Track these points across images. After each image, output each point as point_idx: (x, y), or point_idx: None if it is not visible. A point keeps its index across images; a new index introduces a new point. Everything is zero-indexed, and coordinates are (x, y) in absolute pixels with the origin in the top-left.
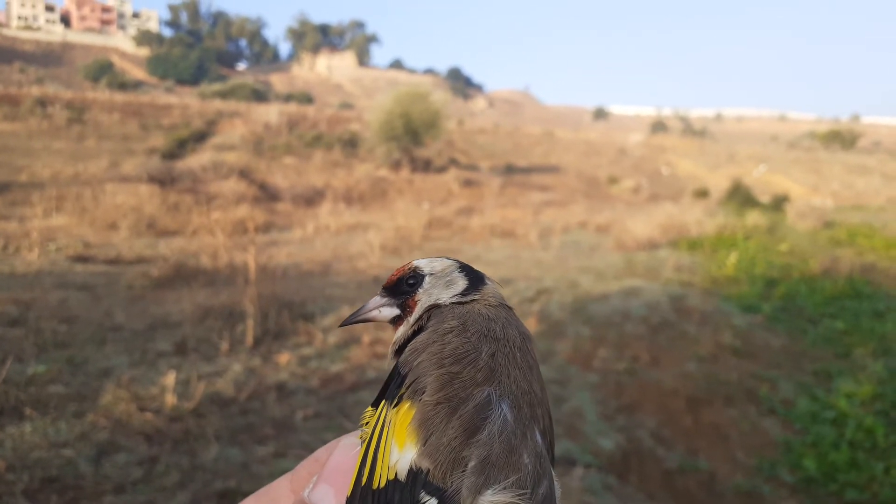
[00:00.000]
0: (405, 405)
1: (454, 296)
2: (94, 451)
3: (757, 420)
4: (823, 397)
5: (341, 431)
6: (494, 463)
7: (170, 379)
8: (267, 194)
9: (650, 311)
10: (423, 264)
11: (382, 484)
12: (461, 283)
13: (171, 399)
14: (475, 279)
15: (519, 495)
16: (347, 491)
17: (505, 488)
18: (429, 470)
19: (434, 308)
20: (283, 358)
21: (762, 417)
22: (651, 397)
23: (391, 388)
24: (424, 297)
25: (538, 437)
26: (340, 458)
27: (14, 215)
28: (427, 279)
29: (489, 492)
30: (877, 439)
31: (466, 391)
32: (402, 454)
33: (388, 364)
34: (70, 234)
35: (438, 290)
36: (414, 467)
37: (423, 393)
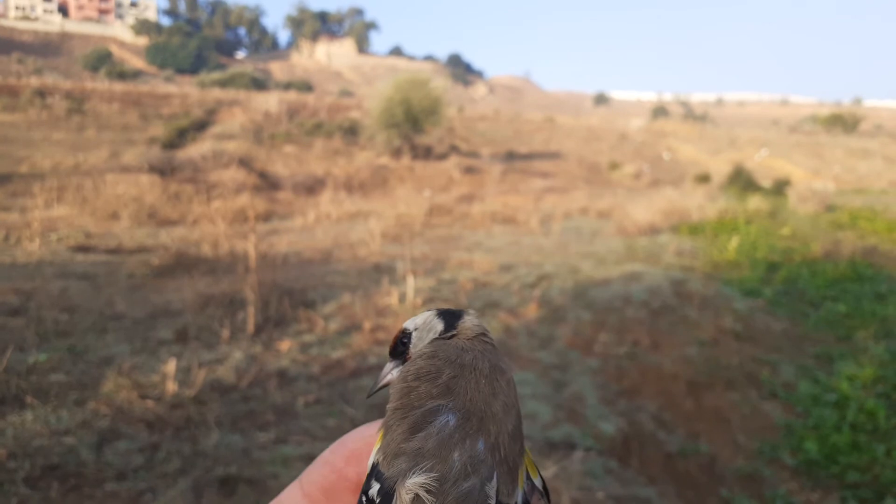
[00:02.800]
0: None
1: (434, 339)
2: (95, 439)
3: (758, 403)
4: (825, 380)
5: (342, 417)
6: (424, 455)
7: (171, 366)
8: (267, 183)
9: (651, 296)
10: (409, 324)
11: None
12: (438, 326)
13: (172, 386)
14: (451, 319)
15: (435, 479)
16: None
17: (424, 471)
18: (380, 461)
19: None
20: (285, 345)
21: (763, 401)
22: (652, 381)
23: None
24: (415, 350)
25: (480, 446)
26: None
27: (15, 206)
28: (414, 334)
29: (412, 475)
30: (878, 422)
31: (420, 401)
32: (373, 455)
33: None
34: (71, 224)
35: (423, 341)
36: (374, 462)
37: (389, 403)
